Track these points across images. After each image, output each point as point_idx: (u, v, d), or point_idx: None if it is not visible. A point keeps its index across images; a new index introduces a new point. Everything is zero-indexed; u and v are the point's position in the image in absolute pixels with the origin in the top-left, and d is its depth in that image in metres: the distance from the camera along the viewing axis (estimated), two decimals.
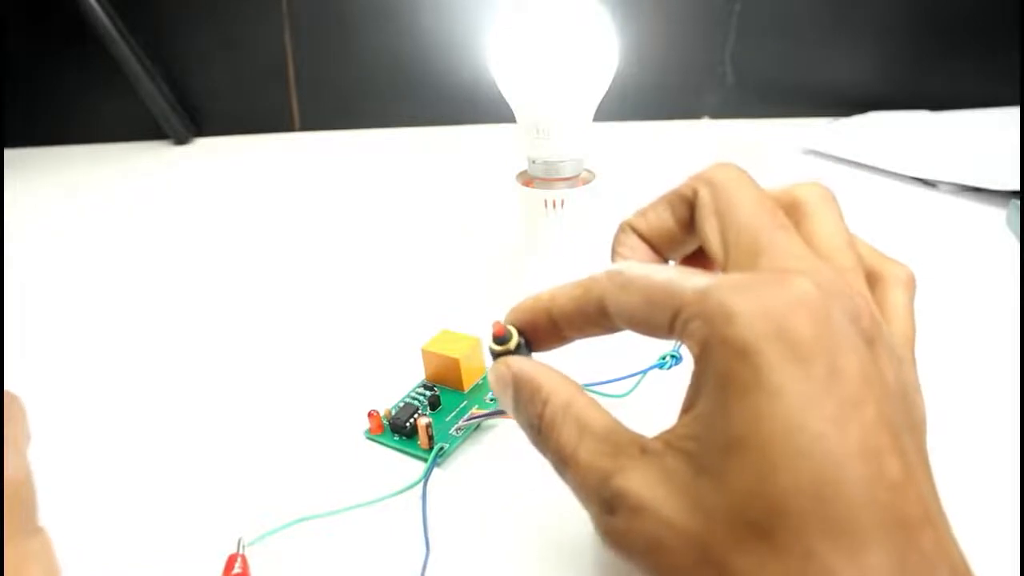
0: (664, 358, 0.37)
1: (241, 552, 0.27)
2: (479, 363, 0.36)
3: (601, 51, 0.36)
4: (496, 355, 0.24)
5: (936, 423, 0.23)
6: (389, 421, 0.34)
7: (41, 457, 0.34)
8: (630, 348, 0.38)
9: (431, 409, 0.34)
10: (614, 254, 0.26)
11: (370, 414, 0.34)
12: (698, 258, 0.26)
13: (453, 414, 0.34)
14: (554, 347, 0.25)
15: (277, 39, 0.83)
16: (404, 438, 0.33)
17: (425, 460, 0.32)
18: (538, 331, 0.24)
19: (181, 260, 0.56)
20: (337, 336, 0.43)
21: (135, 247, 0.59)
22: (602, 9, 0.36)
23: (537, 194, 0.38)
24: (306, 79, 0.85)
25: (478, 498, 0.30)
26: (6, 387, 0.23)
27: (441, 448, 0.32)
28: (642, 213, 0.26)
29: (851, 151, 0.67)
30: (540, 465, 0.31)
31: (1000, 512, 0.28)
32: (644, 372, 0.36)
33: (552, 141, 0.37)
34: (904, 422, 0.18)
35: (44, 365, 0.42)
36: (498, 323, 0.24)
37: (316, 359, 0.41)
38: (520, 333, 0.25)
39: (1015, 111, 0.68)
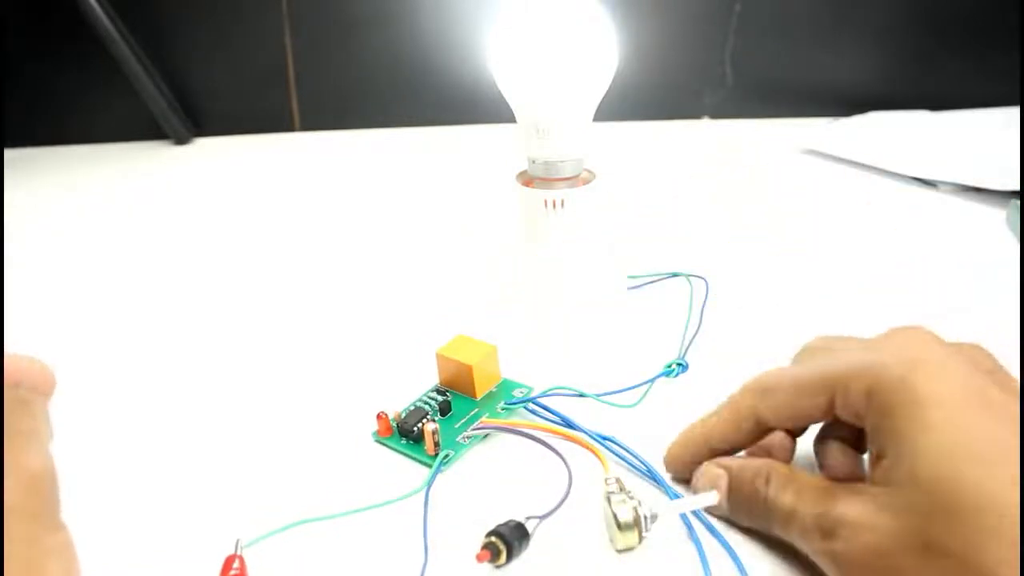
0: (670, 366, 0.37)
1: (239, 553, 0.27)
2: (493, 371, 0.36)
3: (601, 51, 0.36)
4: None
5: None
6: (397, 424, 0.33)
7: None
8: (636, 358, 0.38)
9: (441, 415, 0.34)
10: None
11: (379, 416, 0.33)
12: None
13: (463, 421, 0.34)
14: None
15: (277, 39, 0.83)
16: (411, 442, 0.33)
17: (430, 466, 0.31)
18: (701, 462, 0.29)
19: (182, 260, 0.56)
20: (337, 336, 0.43)
21: (135, 247, 0.59)
22: (602, 9, 0.36)
23: (537, 194, 0.38)
24: (306, 79, 0.85)
25: (481, 506, 0.30)
26: (28, 380, 0.23)
27: (446, 455, 0.32)
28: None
29: (851, 151, 0.67)
30: (544, 476, 0.31)
31: None
32: (651, 381, 0.37)
33: (552, 141, 0.37)
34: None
35: None
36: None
37: (316, 360, 0.41)
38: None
39: (1015, 111, 0.68)
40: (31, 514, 0.20)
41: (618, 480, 0.28)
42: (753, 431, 0.28)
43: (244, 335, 0.44)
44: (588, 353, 0.39)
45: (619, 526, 0.26)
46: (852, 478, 0.25)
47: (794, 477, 0.26)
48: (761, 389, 0.27)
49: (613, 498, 0.27)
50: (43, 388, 0.24)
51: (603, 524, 0.28)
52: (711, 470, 0.28)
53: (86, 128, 0.88)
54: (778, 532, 0.26)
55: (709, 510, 0.28)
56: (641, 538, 0.27)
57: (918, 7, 0.74)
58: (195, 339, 0.44)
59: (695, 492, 0.28)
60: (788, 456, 0.29)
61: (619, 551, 0.27)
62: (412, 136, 0.84)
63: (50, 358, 0.23)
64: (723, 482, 0.27)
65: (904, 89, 0.77)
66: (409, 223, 0.60)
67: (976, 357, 0.25)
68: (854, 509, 0.23)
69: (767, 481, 0.26)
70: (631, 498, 0.27)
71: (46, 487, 0.21)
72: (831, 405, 0.25)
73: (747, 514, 0.27)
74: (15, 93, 0.84)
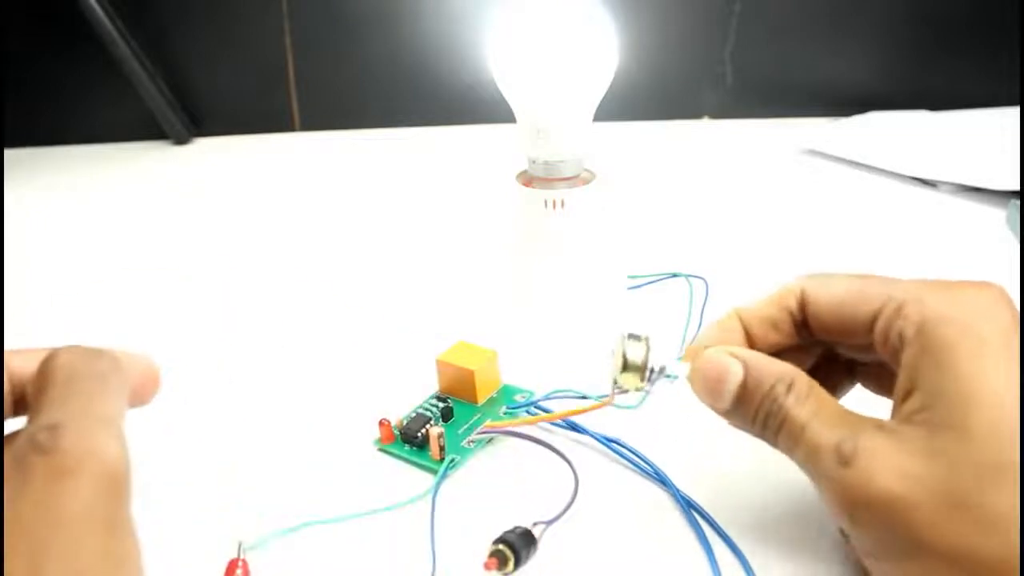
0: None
1: (242, 557, 0.27)
2: (494, 376, 0.36)
3: (601, 51, 0.36)
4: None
5: None
6: (400, 431, 0.33)
7: None
8: None
9: (444, 421, 0.34)
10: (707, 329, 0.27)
11: (381, 423, 0.33)
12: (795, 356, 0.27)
13: (466, 427, 0.34)
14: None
15: (277, 39, 0.83)
16: (415, 448, 0.33)
17: (435, 472, 0.31)
18: (732, 341, 0.26)
19: (181, 261, 0.56)
20: (335, 337, 0.43)
21: (135, 247, 0.59)
22: (602, 9, 0.36)
23: (537, 194, 0.38)
24: (306, 79, 0.85)
25: (487, 513, 0.30)
26: (109, 347, 0.22)
27: (452, 460, 0.32)
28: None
29: (851, 151, 0.67)
30: (550, 481, 0.31)
31: None
32: (652, 383, 0.37)
33: (552, 141, 0.37)
34: None
35: None
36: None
37: (316, 362, 0.41)
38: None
39: (1015, 111, 0.68)
40: (107, 522, 0.16)
41: (646, 337, 0.26)
42: (792, 316, 0.26)
43: (243, 336, 0.44)
44: (588, 354, 0.39)
45: (625, 364, 0.26)
46: None
47: (816, 391, 0.24)
48: (818, 274, 0.26)
49: (629, 339, 0.26)
50: (142, 391, 0.22)
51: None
52: (722, 357, 0.25)
53: (86, 128, 0.88)
54: (781, 445, 0.24)
55: (709, 407, 0.26)
56: (641, 384, 0.26)
57: (918, 7, 0.74)
58: (193, 340, 0.44)
59: (695, 381, 0.25)
60: None
61: (617, 392, 0.26)
62: (412, 136, 0.84)
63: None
64: (738, 377, 0.24)
65: (904, 89, 0.77)
66: (409, 223, 0.60)
67: None
68: (881, 445, 0.21)
69: (789, 387, 0.23)
70: (649, 347, 0.26)
71: (124, 484, 0.17)
72: (875, 321, 0.23)
73: (753, 418, 0.24)
74: (15, 93, 0.84)
